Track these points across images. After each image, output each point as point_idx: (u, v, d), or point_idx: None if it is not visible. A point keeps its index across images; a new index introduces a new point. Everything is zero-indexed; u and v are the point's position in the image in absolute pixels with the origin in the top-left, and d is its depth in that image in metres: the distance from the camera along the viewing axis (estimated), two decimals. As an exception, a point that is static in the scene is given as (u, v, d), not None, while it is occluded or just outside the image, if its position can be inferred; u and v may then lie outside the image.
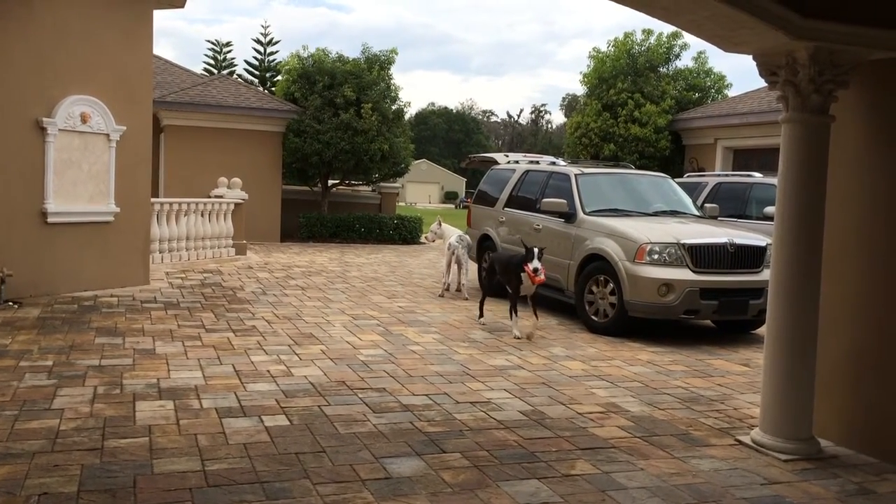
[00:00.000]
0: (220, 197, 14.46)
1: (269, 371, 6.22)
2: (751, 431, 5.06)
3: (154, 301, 9.32)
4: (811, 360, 4.81)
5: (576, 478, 4.25)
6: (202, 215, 13.66)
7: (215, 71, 36.05)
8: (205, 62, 40.23)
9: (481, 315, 9.02)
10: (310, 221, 19.34)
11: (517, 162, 12.20)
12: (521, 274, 8.08)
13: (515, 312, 8.33)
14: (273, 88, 28.01)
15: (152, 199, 11.59)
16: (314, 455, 4.37)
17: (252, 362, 6.49)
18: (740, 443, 4.97)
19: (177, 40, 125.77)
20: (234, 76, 32.03)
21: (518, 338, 8.08)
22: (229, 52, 39.39)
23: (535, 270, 7.89)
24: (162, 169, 17.84)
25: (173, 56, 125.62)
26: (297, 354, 6.87)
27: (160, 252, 12.55)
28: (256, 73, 36.75)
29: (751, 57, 5.12)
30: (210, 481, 3.92)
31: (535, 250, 7.98)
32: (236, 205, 14.58)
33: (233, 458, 4.26)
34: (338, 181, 20.75)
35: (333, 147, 18.55)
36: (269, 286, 11.09)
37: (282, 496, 3.78)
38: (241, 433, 4.68)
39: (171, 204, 12.90)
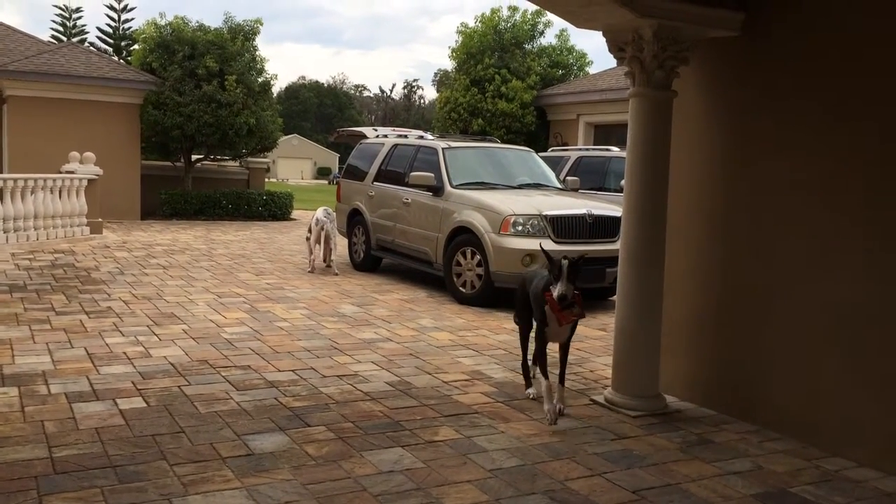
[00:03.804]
0: (72, 172, 13.60)
1: (125, 353, 5.96)
2: (604, 391, 5.34)
3: (-3, 284, 8.69)
4: (656, 322, 5.13)
5: (439, 443, 4.34)
6: (52, 192, 12.81)
7: (64, 38, 33.71)
8: (52, 29, 37.58)
9: (528, 384, 5.48)
10: (172, 198, 18.53)
11: (386, 136, 12.18)
12: (546, 307, 4.89)
13: (544, 366, 4.98)
14: (129, 58, 26.49)
15: (-7, 175, 10.75)
16: (172, 436, 4.24)
17: (107, 345, 6.19)
18: (594, 402, 5.24)
19: (21, 5, 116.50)
20: (86, 44, 30.07)
21: (533, 398, 5.24)
22: (79, 18, 37.24)
23: (562, 300, 4.68)
24: (5, 142, 16.57)
25: (17, 22, 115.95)
26: (156, 335, 6.61)
27: (5, 232, 11.66)
28: (110, 41, 34.69)
29: (601, 33, 5.33)
30: (58, 468, 3.73)
31: (564, 265, 4.67)
32: (90, 181, 13.77)
33: (83, 443, 4.07)
34: (202, 156, 19.97)
35: (196, 120, 17.80)
36: (127, 266, 10.58)
37: (136, 479, 3.65)
38: (93, 417, 4.47)
39: (15, 180, 12.00)
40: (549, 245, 8.37)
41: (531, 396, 5.31)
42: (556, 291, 4.66)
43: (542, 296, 4.90)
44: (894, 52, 4.22)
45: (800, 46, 4.73)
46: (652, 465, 4.17)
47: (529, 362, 5.53)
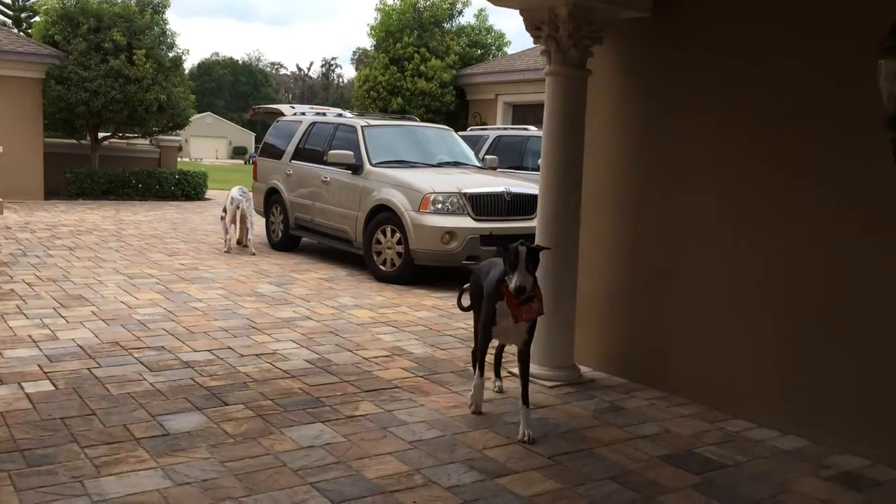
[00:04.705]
0: (-32, 150, 12.89)
1: (30, 336, 5.73)
2: (522, 363, 5.45)
3: None
4: (572, 296, 5.27)
5: (359, 418, 4.36)
6: (-55, 170, 12.12)
7: (-43, 7, 31.69)
8: (-57, -3, 35.15)
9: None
10: (78, 177, 17.75)
11: (304, 114, 12.00)
12: (499, 303, 4.24)
13: (480, 366, 4.51)
14: (30, 31, 25.13)
15: None
16: (82, 418, 4.12)
17: (10, 328, 5.93)
18: (512, 374, 5.35)
19: None
20: (-19, 14, 28.36)
21: (476, 412, 4.52)
22: (-26, -14, 34.77)
23: (520, 292, 4.02)
24: None
25: None
26: (63, 317, 6.37)
27: None
28: (9, 13, 32.80)
29: (518, 12, 5.39)
30: (-41, 455, 3.57)
31: (522, 251, 4.02)
32: (-12, 159, 13.08)
33: (-13, 428, 3.91)
34: (109, 134, 19.19)
35: (103, 96, 17.06)
36: (30, 247, 10.12)
37: (45, 462, 3.53)
38: (-3, 402, 4.30)
39: None
40: (469, 223, 8.49)
41: (495, 389, 4.99)
42: (513, 283, 4.01)
43: (497, 288, 4.21)
44: (788, 35, 4.44)
45: (705, 27, 4.90)
46: (567, 431, 4.31)
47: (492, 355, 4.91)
